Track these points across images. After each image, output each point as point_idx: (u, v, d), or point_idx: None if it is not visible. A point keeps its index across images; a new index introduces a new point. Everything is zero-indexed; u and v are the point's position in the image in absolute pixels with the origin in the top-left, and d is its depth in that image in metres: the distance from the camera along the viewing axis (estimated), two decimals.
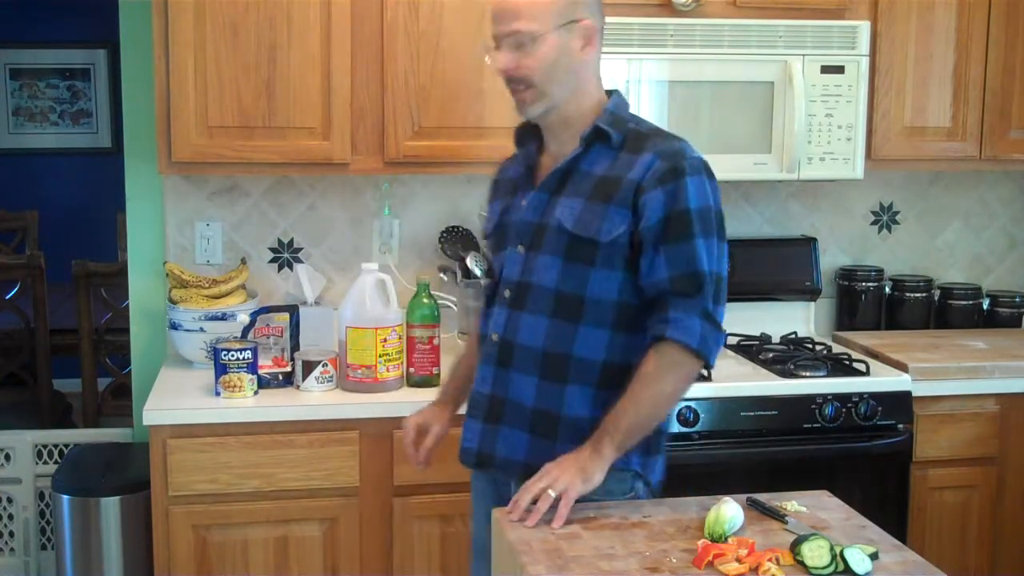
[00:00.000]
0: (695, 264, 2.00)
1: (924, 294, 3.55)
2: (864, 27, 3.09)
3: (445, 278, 3.23)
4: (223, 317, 2.99)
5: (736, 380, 2.95)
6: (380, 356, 2.79)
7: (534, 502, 1.95)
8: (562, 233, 2.05)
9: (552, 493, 1.93)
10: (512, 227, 2.15)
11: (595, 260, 2.03)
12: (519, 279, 2.11)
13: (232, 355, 2.73)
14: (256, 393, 2.78)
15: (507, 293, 2.13)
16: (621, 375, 2.03)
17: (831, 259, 3.58)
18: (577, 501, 1.95)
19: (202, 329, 2.99)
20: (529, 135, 2.21)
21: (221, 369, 2.74)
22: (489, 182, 2.37)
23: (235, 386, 2.74)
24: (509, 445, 2.11)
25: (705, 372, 2.93)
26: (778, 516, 1.98)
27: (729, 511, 1.90)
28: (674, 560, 1.80)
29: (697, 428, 2.83)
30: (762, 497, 2.05)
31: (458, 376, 2.41)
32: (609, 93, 2.17)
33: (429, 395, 2.79)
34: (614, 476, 2.03)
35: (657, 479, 2.15)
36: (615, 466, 2.02)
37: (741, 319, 3.37)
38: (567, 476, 1.95)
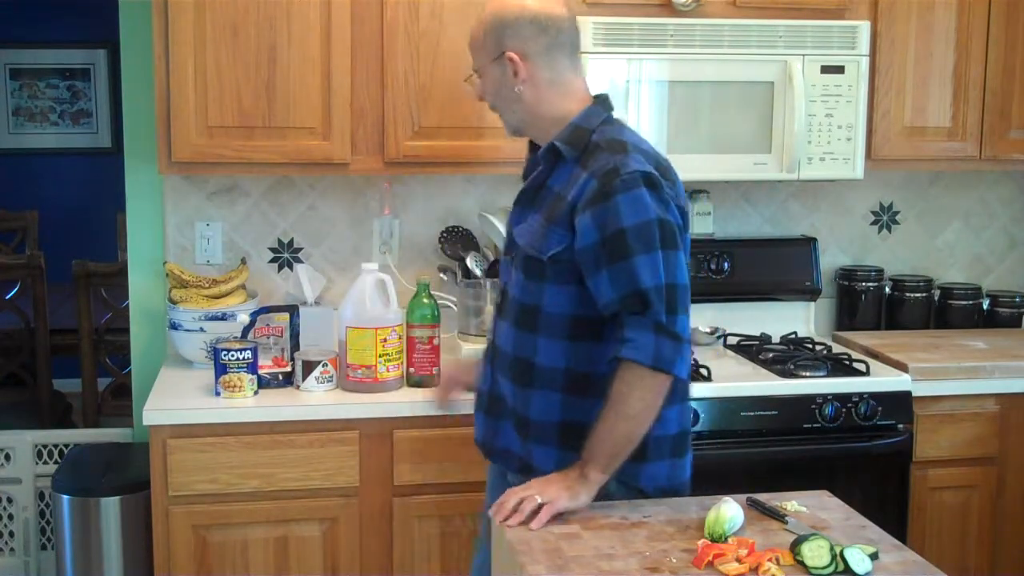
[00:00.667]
0: (636, 283, 1.99)
1: (924, 294, 3.55)
2: (864, 27, 3.09)
3: (445, 278, 3.23)
4: (223, 317, 2.99)
5: (736, 380, 2.95)
6: (380, 356, 2.79)
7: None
8: (519, 249, 2.17)
9: (538, 499, 1.98)
10: (509, 236, 2.27)
11: (545, 276, 2.11)
12: (504, 287, 2.25)
13: (232, 355, 2.73)
14: (256, 393, 2.78)
15: (499, 298, 2.28)
16: (585, 382, 2.09)
17: (831, 259, 3.58)
18: None
19: (202, 329, 2.99)
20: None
21: (221, 369, 2.74)
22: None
23: (235, 386, 2.74)
24: (506, 438, 2.22)
25: (705, 372, 2.93)
26: (778, 516, 1.98)
27: (729, 511, 1.90)
28: (674, 560, 1.80)
29: (697, 428, 2.83)
30: (762, 497, 2.06)
31: None
32: (597, 98, 2.21)
33: (429, 395, 2.79)
34: None
35: (656, 485, 2.14)
36: None
37: (741, 319, 3.38)
38: (553, 489, 2.00)
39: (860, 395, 2.93)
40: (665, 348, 1.99)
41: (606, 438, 2.01)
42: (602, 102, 2.20)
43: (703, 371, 2.94)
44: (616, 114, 2.21)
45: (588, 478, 2.01)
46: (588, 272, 2.04)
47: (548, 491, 1.99)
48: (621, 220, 2.00)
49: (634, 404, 2.00)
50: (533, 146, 2.27)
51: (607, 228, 2.01)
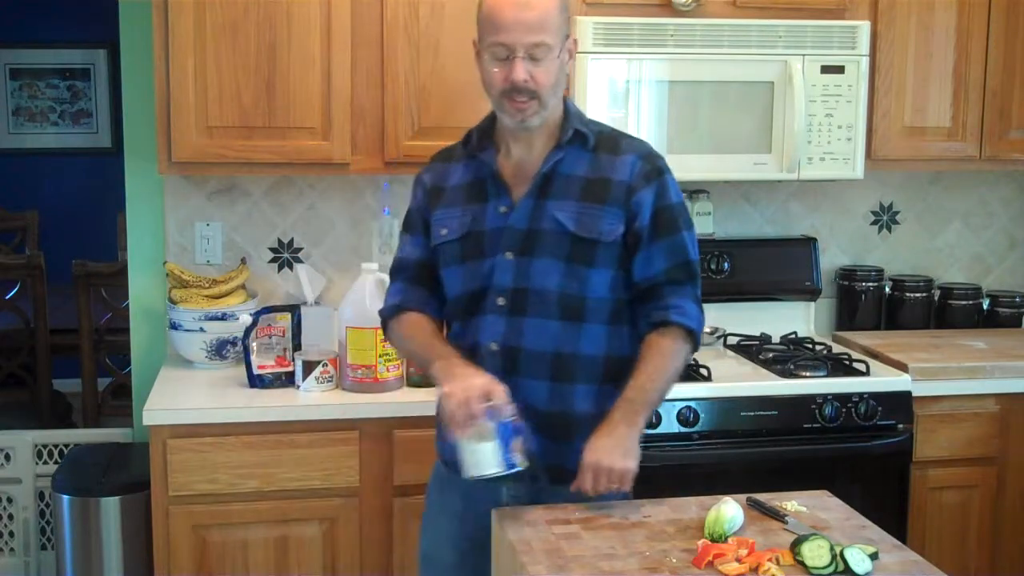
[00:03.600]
0: (686, 255, 2.13)
1: (924, 294, 3.55)
2: (864, 27, 3.09)
3: None
4: (223, 317, 2.99)
5: (736, 380, 2.95)
6: (380, 356, 2.79)
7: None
8: (563, 236, 2.08)
9: (615, 486, 1.98)
10: (492, 235, 2.12)
11: (595, 260, 2.08)
12: (514, 286, 2.10)
13: None
14: None
15: (500, 301, 2.10)
16: (618, 368, 2.10)
17: (831, 259, 3.58)
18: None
19: (202, 329, 2.99)
20: (486, 139, 2.17)
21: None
22: (421, 189, 2.23)
23: None
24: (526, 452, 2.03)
25: (705, 372, 2.93)
26: (778, 516, 1.98)
27: (729, 511, 1.90)
28: (674, 560, 1.80)
29: (697, 428, 2.83)
30: (762, 497, 2.06)
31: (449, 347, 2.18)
32: None
33: (429, 395, 2.78)
34: None
35: None
36: None
37: (741, 319, 3.37)
38: (620, 462, 1.98)
39: (860, 395, 2.93)
40: (701, 319, 2.13)
41: (654, 388, 2.05)
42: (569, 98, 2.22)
43: (703, 371, 2.94)
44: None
45: (638, 427, 2.02)
46: (641, 246, 2.09)
47: (616, 467, 1.97)
48: (671, 197, 2.12)
49: (676, 363, 2.10)
50: (480, 144, 2.16)
51: (663, 202, 2.11)
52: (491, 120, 2.18)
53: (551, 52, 2.03)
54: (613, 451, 1.99)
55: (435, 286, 2.21)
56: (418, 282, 2.22)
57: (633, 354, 2.11)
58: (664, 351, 2.07)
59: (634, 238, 2.09)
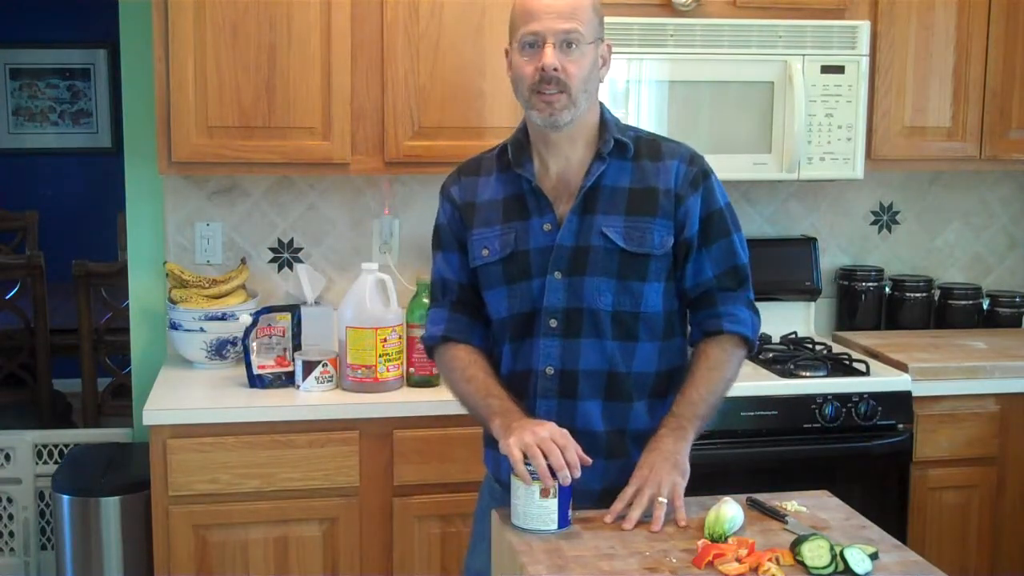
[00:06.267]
0: (736, 258, 2.10)
1: (924, 294, 3.55)
2: (864, 27, 3.09)
3: None
4: (223, 317, 2.99)
5: (736, 380, 2.94)
6: (380, 356, 2.79)
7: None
8: (612, 252, 2.03)
9: (663, 500, 1.93)
10: (538, 254, 2.05)
11: (647, 275, 2.05)
12: (566, 306, 2.04)
13: None
14: None
15: (553, 323, 2.05)
16: (667, 383, 2.10)
17: (831, 259, 3.58)
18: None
19: (202, 329, 2.99)
20: (523, 153, 2.09)
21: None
22: (450, 204, 2.19)
23: None
24: (585, 475, 1.92)
25: None
26: (778, 516, 1.98)
27: (729, 511, 1.90)
28: (674, 560, 1.79)
29: None
30: (762, 497, 2.05)
31: (504, 391, 2.08)
32: None
33: (429, 395, 2.79)
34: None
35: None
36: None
37: None
38: (667, 476, 1.96)
39: (860, 395, 2.93)
40: (756, 323, 2.13)
41: (704, 401, 2.04)
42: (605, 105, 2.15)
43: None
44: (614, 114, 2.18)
45: (687, 440, 2.01)
46: (691, 253, 2.07)
47: (665, 480, 1.94)
48: (718, 199, 2.09)
49: (730, 372, 2.10)
50: (518, 159, 2.08)
51: (710, 206, 2.08)
52: (525, 133, 2.10)
53: (582, 41, 1.98)
54: (660, 465, 1.97)
55: (478, 309, 2.14)
56: (461, 307, 2.15)
57: (684, 363, 2.12)
58: (713, 362, 2.08)
59: (684, 247, 2.07)
